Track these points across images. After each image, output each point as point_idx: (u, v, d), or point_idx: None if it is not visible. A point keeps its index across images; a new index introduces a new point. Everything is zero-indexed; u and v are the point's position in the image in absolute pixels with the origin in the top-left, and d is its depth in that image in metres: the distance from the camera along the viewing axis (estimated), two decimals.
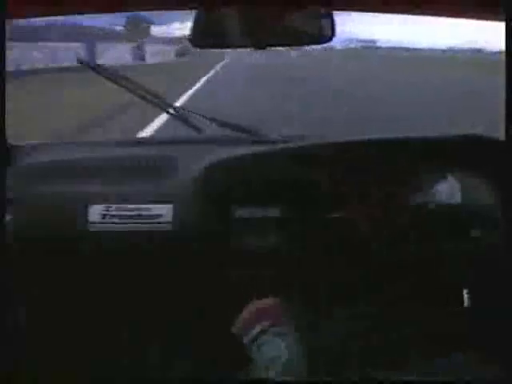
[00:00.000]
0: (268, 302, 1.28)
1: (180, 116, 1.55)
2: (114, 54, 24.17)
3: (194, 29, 0.91)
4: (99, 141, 1.64)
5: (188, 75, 16.55)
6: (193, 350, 1.32)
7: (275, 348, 1.18)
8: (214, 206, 1.27)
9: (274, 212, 1.29)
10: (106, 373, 1.27)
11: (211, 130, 1.62)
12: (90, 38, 24.63)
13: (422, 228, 1.28)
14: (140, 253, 1.30)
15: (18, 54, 16.41)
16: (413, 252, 1.28)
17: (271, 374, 1.16)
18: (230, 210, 1.29)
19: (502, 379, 0.74)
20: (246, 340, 1.22)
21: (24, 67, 16.62)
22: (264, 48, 0.95)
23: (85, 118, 7.26)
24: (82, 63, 1.52)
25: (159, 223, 1.26)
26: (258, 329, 1.22)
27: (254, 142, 1.49)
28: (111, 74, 1.50)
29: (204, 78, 16.77)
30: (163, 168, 1.34)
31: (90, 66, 1.50)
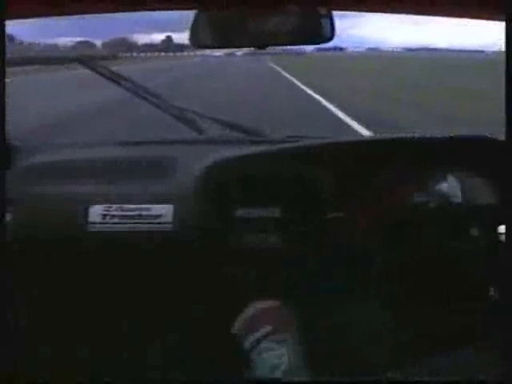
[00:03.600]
0: (269, 303, 1.28)
1: (180, 116, 1.55)
2: None
3: (194, 29, 0.91)
4: (99, 141, 1.64)
5: None
6: (193, 350, 1.32)
7: (276, 356, 1.17)
8: (214, 205, 1.27)
9: (273, 212, 1.29)
10: (106, 373, 1.27)
11: (211, 129, 1.62)
12: None
13: (423, 227, 1.28)
14: (140, 253, 1.30)
15: None
16: (413, 251, 1.28)
17: (272, 378, 1.16)
18: (230, 210, 1.28)
19: (501, 378, 0.74)
20: (246, 343, 1.22)
21: None
22: (264, 48, 0.95)
23: None
24: (81, 62, 1.52)
25: (159, 223, 1.26)
26: (259, 334, 1.21)
27: (254, 142, 1.49)
28: (110, 74, 1.50)
29: None
30: (163, 168, 1.34)
31: (89, 66, 1.50)
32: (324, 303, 1.32)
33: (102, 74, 1.49)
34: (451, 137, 1.36)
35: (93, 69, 1.49)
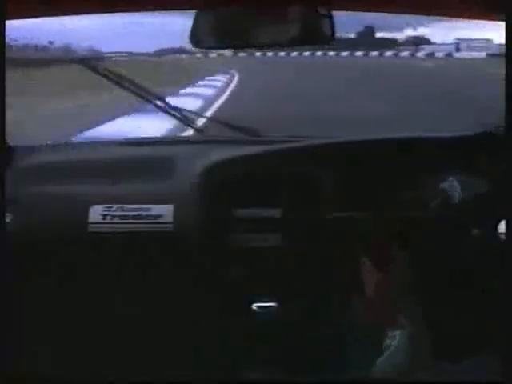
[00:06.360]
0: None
1: (180, 116, 1.55)
2: None
3: (194, 29, 0.91)
4: (99, 141, 1.64)
5: None
6: (193, 349, 1.32)
7: (390, 337, 1.16)
8: (214, 205, 1.27)
9: (274, 212, 1.29)
10: (106, 373, 1.27)
11: (211, 130, 1.62)
12: None
13: (423, 227, 1.28)
14: (141, 253, 1.30)
15: None
16: (414, 251, 1.28)
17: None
18: (230, 210, 1.29)
19: (501, 378, 0.74)
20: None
21: None
22: (264, 48, 0.95)
23: None
24: (83, 63, 1.53)
25: (160, 223, 1.26)
26: None
27: (254, 142, 1.49)
28: (113, 75, 1.50)
29: None
30: (163, 168, 1.34)
31: (91, 67, 1.50)
32: (324, 303, 1.32)
33: (103, 76, 1.49)
34: (451, 136, 1.36)
35: (95, 70, 1.49)
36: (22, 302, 1.26)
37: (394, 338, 1.13)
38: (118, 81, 1.51)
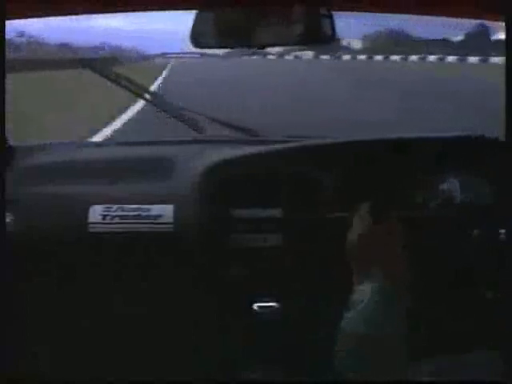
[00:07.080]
0: None
1: (180, 116, 1.55)
2: None
3: (194, 29, 0.91)
4: (99, 141, 1.64)
5: None
6: (193, 350, 1.32)
7: (359, 291, 1.12)
8: (214, 205, 1.27)
9: (273, 212, 1.29)
10: (106, 374, 1.27)
11: (211, 130, 1.62)
12: None
13: (423, 227, 1.28)
14: (141, 253, 1.30)
15: None
16: (413, 251, 1.28)
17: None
18: (230, 210, 1.29)
19: (501, 378, 0.74)
20: None
21: None
22: (264, 48, 0.95)
23: None
24: (83, 64, 1.53)
25: (160, 224, 1.26)
26: None
27: (254, 142, 1.49)
28: (113, 75, 1.50)
29: None
30: (163, 168, 1.34)
31: (91, 67, 1.50)
32: (324, 303, 1.32)
33: (105, 77, 1.49)
34: (451, 136, 1.36)
35: (97, 71, 1.49)
36: (22, 302, 1.26)
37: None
38: (121, 82, 1.51)
